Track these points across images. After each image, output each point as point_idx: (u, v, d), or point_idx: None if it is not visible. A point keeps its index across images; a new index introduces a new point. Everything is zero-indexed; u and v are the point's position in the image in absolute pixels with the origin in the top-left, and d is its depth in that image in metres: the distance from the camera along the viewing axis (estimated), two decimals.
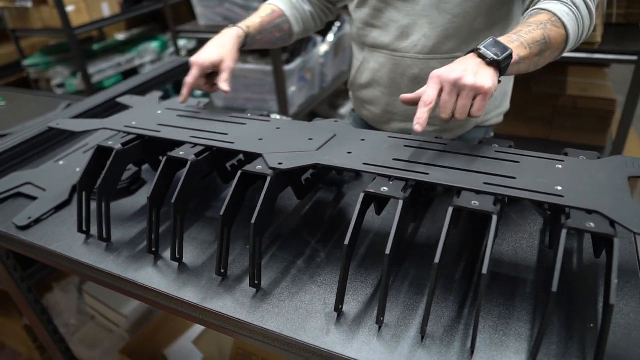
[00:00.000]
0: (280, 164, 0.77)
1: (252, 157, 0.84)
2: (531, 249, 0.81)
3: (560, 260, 0.57)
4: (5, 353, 2.03)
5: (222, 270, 0.79)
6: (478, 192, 0.67)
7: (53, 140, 1.37)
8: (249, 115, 1.00)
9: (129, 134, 0.96)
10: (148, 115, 1.04)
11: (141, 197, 1.06)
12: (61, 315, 1.81)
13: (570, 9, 0.85)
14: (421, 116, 0.73)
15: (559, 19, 0.83)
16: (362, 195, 0.69)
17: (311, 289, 0.76)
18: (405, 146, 0.81)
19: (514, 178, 0.70)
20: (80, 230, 0.94)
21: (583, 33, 0.89)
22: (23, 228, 1.01)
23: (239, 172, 0.77)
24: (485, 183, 0.68)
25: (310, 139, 0.85)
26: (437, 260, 0.61)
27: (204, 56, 1.02)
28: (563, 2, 0.86)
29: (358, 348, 0.65)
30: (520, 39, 0.80)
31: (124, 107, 1.38)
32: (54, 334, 1.34)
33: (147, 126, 0.98)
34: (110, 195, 0.91)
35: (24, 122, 1.57)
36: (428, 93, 0.75)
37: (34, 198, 1.11)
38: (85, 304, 1.82)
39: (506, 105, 1.21)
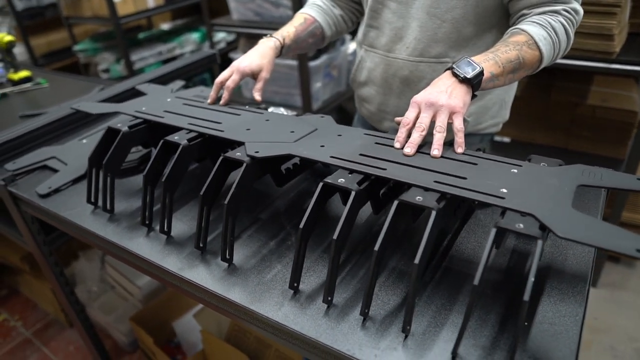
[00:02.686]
0: (256, 152, 0.84)
1: (240, 145, 0.93)
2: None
3: (485, 257, 0.62)
4: (36, 312, 2.21)
5: (201, 245, 0.87)
6: (426, 189, 0.72)
7: (81, 121, 1.49)
8: (246, 107, 1.08)
9: (137, 117, 1.06)
10: (158, 102, 1.14)
11: None
12: (84, 282, 1.97)
13: (549, 34, 0.95)
14: (400, 135, 0.87)
15: (535, 42, 0.93)
16: (320, 184, 0.76)
17: (276, 267, 0.84)
18: (376, 143, 0.87)
19: (464, 178, 0.75)
20: (88, 201, 1.06)
21: (559, 53, 0.99)
22: (43, 196, 1.14)
23: (221, 157, 0.85)
24: (436, 181, 0.74)
25: (292, 132, 0.93)
26: (376, 247, 0.67)
27: (246, 63, 1.11)
28: (543, 26, 0.95)
29: (303, 323, 0.72)
30: (495, 57, 0.91)
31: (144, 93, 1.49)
32: (70, 295, 1.47)
33: (154, 112, 1.07)
34: (116, 172, 1.01)
35: (60, 102, 1.72)
36: (407, 116, 0.88)
37: (56, 171, 1.24)
38: (107, 274, 1.97)
39: (503, 115, 1.24)
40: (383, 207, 0.88)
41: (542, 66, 0.98)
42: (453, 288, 0.77)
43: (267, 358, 1.40)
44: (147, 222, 0.96)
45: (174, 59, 3.27)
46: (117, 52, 3.19)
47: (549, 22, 0.95)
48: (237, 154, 0.85)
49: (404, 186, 0.93)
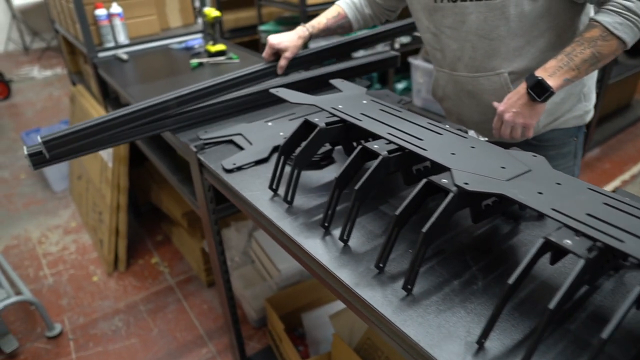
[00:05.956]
0: (466, 183, 0.77)
1: (439, 167, 0.86)
2: None
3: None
4: (182, 264, 2.41)
5: (381, 265, 0.83)
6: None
7: (265, 100, 1.54)
8: (447, 126, 1.01)
9: (334, 115, 1.04)
10: (354, 103, 1.11)
11: (328, 173, 1.16)
12: (230, 250, 2.08)
13: (625, 18, 0.97)
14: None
15: (611, 32, 0.98)
16: (540, 240, 0.66)
17: (459, 312, 0.76)
18: (604, 203, 0.75)
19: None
20: (270, 187, 1.07)
21: None
22: (228, 171, 1.19)
23: (424, 180, 0.79)
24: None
25: (503, 167, 0.84)
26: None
27: (276, 41, 1.45)
28: (616, 11, 0.97)
29: None
30: (570, 62, 1.01)
31: (330, 86, 1.49)
32: (223, 264, 1.55)
33: (351, 112, 1.05)
34: (304, 165, 1.01)
35: None
36: (494, 123, 1.14)
37: (241, 148, 1.29)
38: (251, 249, 2.05)
39: (585, 107, 1.28)
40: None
41: (629, 47, 1.01)
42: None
43: None
44: (326, 224, 0.94)
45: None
46: None
47: (623, 4, 0.97)
48: (442, 180, 0.79)
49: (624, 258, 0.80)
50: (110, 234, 2.27)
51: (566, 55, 1.02)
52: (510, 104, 1.08)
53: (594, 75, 1.29)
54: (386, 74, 3.49)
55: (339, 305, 1.76)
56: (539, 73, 1.03)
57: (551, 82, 1.01)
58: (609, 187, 2.88)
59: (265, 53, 1.48)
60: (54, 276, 2.40)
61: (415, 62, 2.56)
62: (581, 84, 1.24)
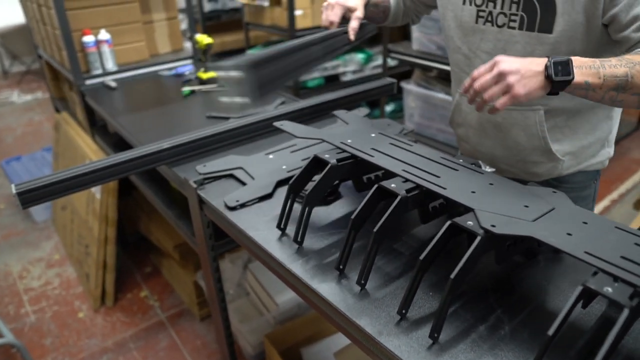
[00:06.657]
0: (493, 226, 0.74)
1: (455, 204, 0.84)
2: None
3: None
4: (172, 297, 2.32)
5: (403, 311, 0.79)
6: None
7: (262, 130, 1.51)
8: (460, 161, 0.99)
9: (344, 151, 1.01)
10: (362, 136, 1.08)
11: (335, 209, 1.12)
12: (224, 282, 2.00)
13: None
14: (467, 82, 0.91)
15: None
16: (579, 288, 0.63)
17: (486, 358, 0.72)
18: (635, 244, 0.72)
19: None
20: (278, 226, 1.03)
21: None
22: (231, 209, 1.14)
23: (448, 223, 0.76)
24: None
25: (526, 206, 0.81)
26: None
27: (343, 0, 1.25)
28: None
29: None
30: (600, 68, 0.87)
31: (331, 116, 1.46)
32: (221, 302, 1.49)
33: (362, 147, 1.02)
34: (315, 203, 0.97)
35: (244, 110, 1.77)
36: (479, 69, 0.90)
37: (243, 183, 1.25)
38: (246, 281, 1.99)
39: (606, 154, 1.24)
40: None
41: None
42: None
43: None
44: (341, 266, 0.90)
45: (335, 76, 3.31)
46: None
47: None
48: (468, 222, 0.76)
49: None
50: (98, 268, 2.18)
51: (600, 60, 0.89)
52: (516, 60, 0.88)
53: (617, 121, 1.23)
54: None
55: (340, 338, 1.71)
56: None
57: (575, 72, 0.86)
58: (598, 207, 2.90)
59: (334, 15, 1.24)
60: (37, 313, 2.29)
61: (408, 86, 2.57)
62: (608, 129, 1.20)
